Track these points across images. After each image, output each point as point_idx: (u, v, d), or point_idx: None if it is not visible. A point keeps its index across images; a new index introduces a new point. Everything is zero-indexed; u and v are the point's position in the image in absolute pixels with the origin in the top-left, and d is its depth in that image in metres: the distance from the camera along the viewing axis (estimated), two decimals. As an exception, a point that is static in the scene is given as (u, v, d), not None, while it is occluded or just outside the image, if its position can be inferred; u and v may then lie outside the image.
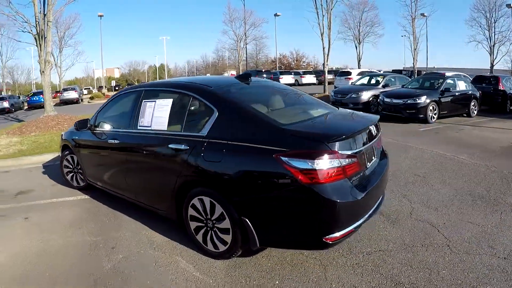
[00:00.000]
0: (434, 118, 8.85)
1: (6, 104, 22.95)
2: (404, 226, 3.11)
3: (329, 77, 27.14)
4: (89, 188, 4.46)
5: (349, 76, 18.58)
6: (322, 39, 16.44)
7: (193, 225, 2.85)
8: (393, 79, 11.98)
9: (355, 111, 3.48)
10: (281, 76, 30.09)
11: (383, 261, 2.58)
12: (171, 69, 79.72)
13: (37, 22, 10.93)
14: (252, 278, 2.48)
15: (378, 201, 2.78)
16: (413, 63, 23.45)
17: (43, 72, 11.04)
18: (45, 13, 10.83)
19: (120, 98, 3.98)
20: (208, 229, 2.74)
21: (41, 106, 21.07)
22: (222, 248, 2.67)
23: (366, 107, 10.79)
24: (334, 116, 3.04)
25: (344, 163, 2.27)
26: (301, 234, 2.34)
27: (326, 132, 2.49)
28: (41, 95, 24.52)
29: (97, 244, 3.13)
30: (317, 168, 2.17)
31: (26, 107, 26.78)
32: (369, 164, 2.67)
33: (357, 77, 15.69)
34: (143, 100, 3.39)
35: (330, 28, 16.13)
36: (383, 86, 11.32)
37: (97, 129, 3.95)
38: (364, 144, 2.58)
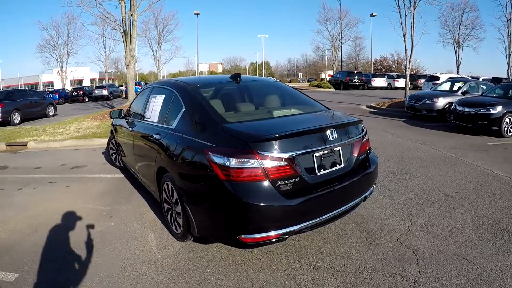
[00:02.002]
0: (511, 131, 7.12)
1: (105, 92, 27.04)
2: (381, 248, 2.67)
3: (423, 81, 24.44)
4: (126, 169, 5.13)
5: (437, 81, 16.41)
6: (404, 40, 14.75)
7: (165, 206, 3.11)
8: (475, 86, 10.03)
9: (336, 112, 3.14)
10: (373, 79, 28.52)
11: (323, 279, 2.30)
12: (272, 66, 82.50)
13: (123, 22, 12.74)
14: (191, 262, 2.59)
15: (334, 213, 2.47)
16: (508, 70, 19.34)
17: (127, 65, 12.85)
18: (131, 13, 12.52)
19: (143, 93, 4.49)
20: (172, 212, 2.95)
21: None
22: (179, 230, 2.86)
23: (441, 115, 9.34)
24: (293, 118, 2.88)
25: (266, 165, 2.16)
26: (221, 229, 2.35)
27: (256, 132, 2.37)
28: (137, 85, 28.27)
29: (102, 212, 3.71)
30: (231, 166, 2.15)
31: (124, 96, 29.99)
32: (322, 171, 2.42)
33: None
34: (151, 96, 3.83)
35: (413, 28, 14.38)
36: (463, 93, 9.60)
37: (128, 118, 4.53)
38: (308, 148, 2.35)
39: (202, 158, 2.34)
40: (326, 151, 2.45)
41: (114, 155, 5.57)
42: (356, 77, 28.13)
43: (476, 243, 2.69)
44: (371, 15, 36.63)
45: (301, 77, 52.21)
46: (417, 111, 9.97)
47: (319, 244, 2.76)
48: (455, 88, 10.32)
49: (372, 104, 13.91)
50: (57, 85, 40.03)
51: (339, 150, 2.55)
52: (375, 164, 2.91)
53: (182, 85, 3.27)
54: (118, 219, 3.48)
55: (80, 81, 49.55)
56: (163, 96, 3.46)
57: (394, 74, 31.17)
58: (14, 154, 7.33)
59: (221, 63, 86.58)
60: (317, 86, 31.75)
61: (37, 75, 48.52)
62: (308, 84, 40.05)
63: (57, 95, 26.92)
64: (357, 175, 2.64)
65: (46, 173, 5.49)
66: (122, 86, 36.15)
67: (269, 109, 3.08)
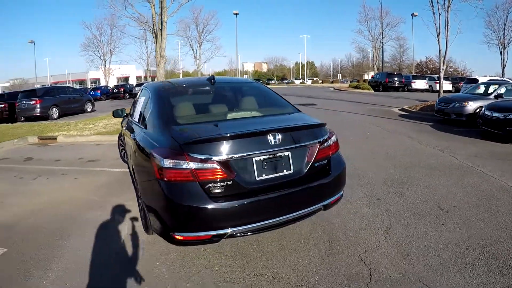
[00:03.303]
0: (542, 140, 6.13)
1: None
2: (336, 263, 2.47)
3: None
4: (132, 164, 5.40)
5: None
6: (438, 40, 13.56)
7: (138, 200, 3.25)
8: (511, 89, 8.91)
9: (301, 115, 3.01)
10: (413, 81, 27.29)
11: (259, 287, 2.21)
12: (316, 67, 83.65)
13: (154, 23, 13.26)
14: (147, 254, 2.73)
15: (276, 220, 2.35)
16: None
17: (158, 65, 13.37)
18: (160, 15, 12.99)
19: (138, 93, 4.67)
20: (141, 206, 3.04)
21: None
22: (143, 224, 2.96)
23: (471, 119, 8.45)
24: (244, 120, 2.82)
25: (195, 167, 2.16)
26: (160, 225, 2.39)
27: (190, 134, 2.39)
28: None
29: (95, 203, 3.98)
30: (164, 166, 2.20)
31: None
32: (264, 176, 2.33)
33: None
34: (139, 96, 4.01)
35: (447, 27, 13.19)
36: (496, 97, 8.60)
37: (129, 117, 4.75)
38: (245, 152, 2.27)
39: (149, 157, 2.41)
40: (269, 156, 2.35)
41: (123, 151, 5.86)
42: (396, 78, 26.93)
43: (450, 269, 2.36)
44: (413, 15, 34.66)
45: (341, 77, 50.96)
46: (446, 115, 9.15)
47: (273, 251, 2.66)
48: (490, 91, 9.27)
49: (404, 107, 13.05)
50: (104, 82, 41.91)
51: (288, 155, 2.42)
52: (340, 171, 2.70)
53: (157, 87, 3.40)
54: (106, 210, 3.71)
55: (126, 78, 52.03)
56: (144, 98, 3.61)
57: (436, 76, 29.24)
58: (43, 147, 8.06)
59: (266, 63, 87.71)
60: (356, 87, 30.88)
61: (85, 72, 50.69)
62: (347, 85, 38.95)
63: (99, 92, 28.62)
64: (311, 182, 2.47)
65: (63, 166, 5.97)
66: None
67: (227, 112, 3.03)
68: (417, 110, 12.07)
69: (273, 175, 2.36)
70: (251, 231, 2.31)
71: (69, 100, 15.39)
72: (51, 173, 5.50)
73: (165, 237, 2.40)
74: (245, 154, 2.27)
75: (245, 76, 55.17)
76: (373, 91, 26.70)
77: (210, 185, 2.18)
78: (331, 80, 60.21)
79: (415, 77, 28.18)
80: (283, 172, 2.40)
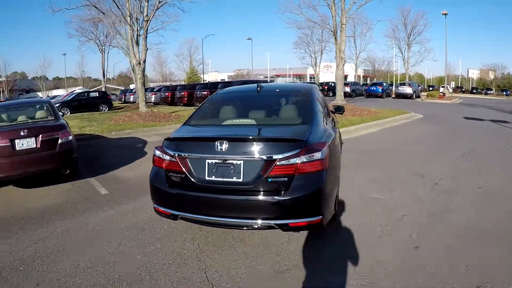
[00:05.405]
0: None
1: (347, 89, 28.25)
2: (271, 285, 2.48)
3: None
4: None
5: None
6: None
7: None
8: None
9: (287, 128, 3.04)
10: None
11: (190, 270, 2.69)
12: None
13: (334, 24, 13.67)
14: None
15: (217, 219, 2.71)
16: None
17: (337, 66, 14.02)
18: (341, 17, 13.25)
19: None
20: None
21: (376, 96, 26.34)
22: None
23: None
24: (227, 127, 3.19)
25: (165, 158, 2.89)
26: None
27: (174, 133, 3.10)
28: (378, 86, 28.96)
29: None
30: (154, 153, 3.05)
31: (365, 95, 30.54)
32: (213, 178, 2.70)
33: None
34: None
35: None
36: None
37: None
38: (199, 153, 2.75)
39: None
40: (219, 161, 2.68)
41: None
42: None
43: None
44: None
45: None
46: None
47: (240, 252, 2.94)
48: None
49: None
50: (322, 79, 44.57)
51: (240, 164, 2.64)
52: (305, 193, 2.54)
53: (216, 92, 4.17)
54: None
55: (345, 77, 54.37)
56: None
57: None
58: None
59: (493, 70, 73.36)
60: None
61: (304, 67, 54.42)
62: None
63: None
64: (258, 195, 2.59)
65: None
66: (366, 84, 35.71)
67: (231, 118, 3.40)
68: None
69: (221, 179, 2.69)
70: (197, 221, 2.85)
71: None
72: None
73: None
74: (198, 155, 2.78)
75: (445, 87, 45.76)
76: None
77: (171, 174, 2.87)
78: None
79: None
80: (232, 178, 2.67)
